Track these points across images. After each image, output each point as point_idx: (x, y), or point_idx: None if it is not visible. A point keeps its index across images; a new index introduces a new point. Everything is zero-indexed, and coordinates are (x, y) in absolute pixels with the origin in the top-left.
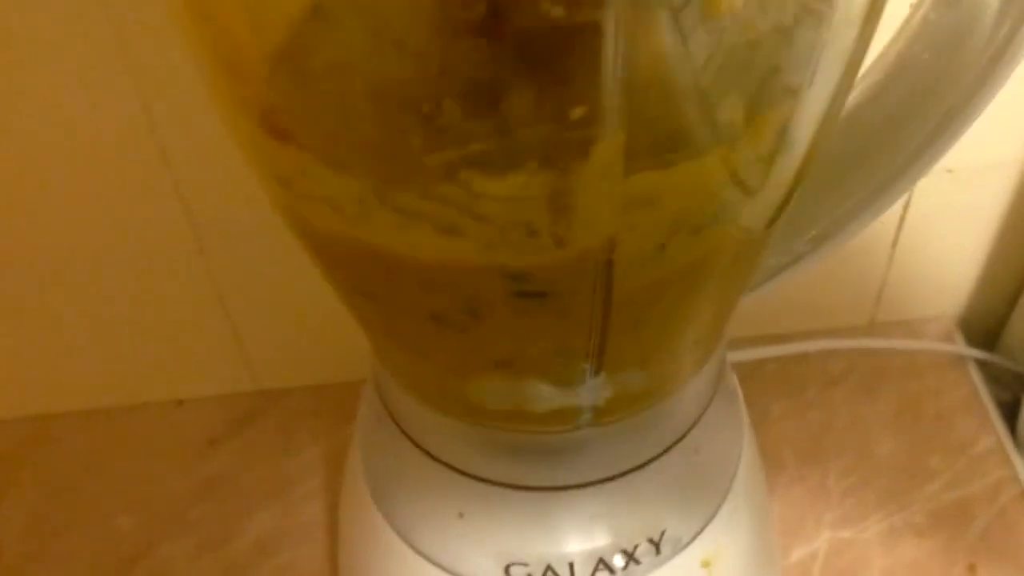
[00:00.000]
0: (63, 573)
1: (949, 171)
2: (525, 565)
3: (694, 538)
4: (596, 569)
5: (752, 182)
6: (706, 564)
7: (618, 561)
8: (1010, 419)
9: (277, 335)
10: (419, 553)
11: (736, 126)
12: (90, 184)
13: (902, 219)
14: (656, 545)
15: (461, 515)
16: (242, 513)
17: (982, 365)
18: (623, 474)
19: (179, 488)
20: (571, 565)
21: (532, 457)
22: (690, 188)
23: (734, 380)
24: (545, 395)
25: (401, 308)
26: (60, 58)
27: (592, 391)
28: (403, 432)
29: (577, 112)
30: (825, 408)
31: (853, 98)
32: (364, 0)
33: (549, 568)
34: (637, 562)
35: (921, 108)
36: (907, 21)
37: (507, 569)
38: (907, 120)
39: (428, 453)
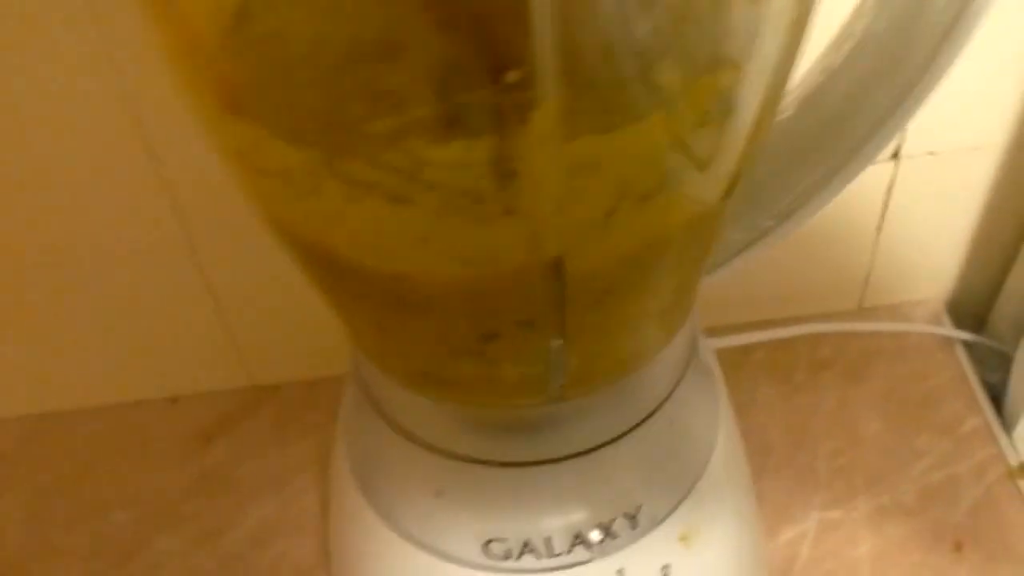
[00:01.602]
0: (61, 568)
1: (931, 154)
2: (503, 541)
3: (670, 513)
4: (573, 544)
5: (697, 150)
6: (684, 539)
7: (595, 536)
8: (997, 399)
9: (269, 330)
10: (401, 534)
11: (674, 90)
12: (78, 182)
13: (886, 204)
14: (633, 519)
15: (439, 494)
16: (237, 506)
17: (969, 347)
18: (596, 448)
19: (174, 483)
20: (548, 540)
21: (506, 433)
22: (632, 153)
23: (710, 358)
24: (511, 374)
25: (367, 294)
26: (46, 58)
27: (558, 363)
28: (381, 414)
29: (513, 76)
30: (813, 392)
31: (812, 76)
32: None
33: (527, 543)
34: (614, 536)
35: (878, 84)
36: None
37: (486, 545)
38: (865, 96)
39: (405, 433)
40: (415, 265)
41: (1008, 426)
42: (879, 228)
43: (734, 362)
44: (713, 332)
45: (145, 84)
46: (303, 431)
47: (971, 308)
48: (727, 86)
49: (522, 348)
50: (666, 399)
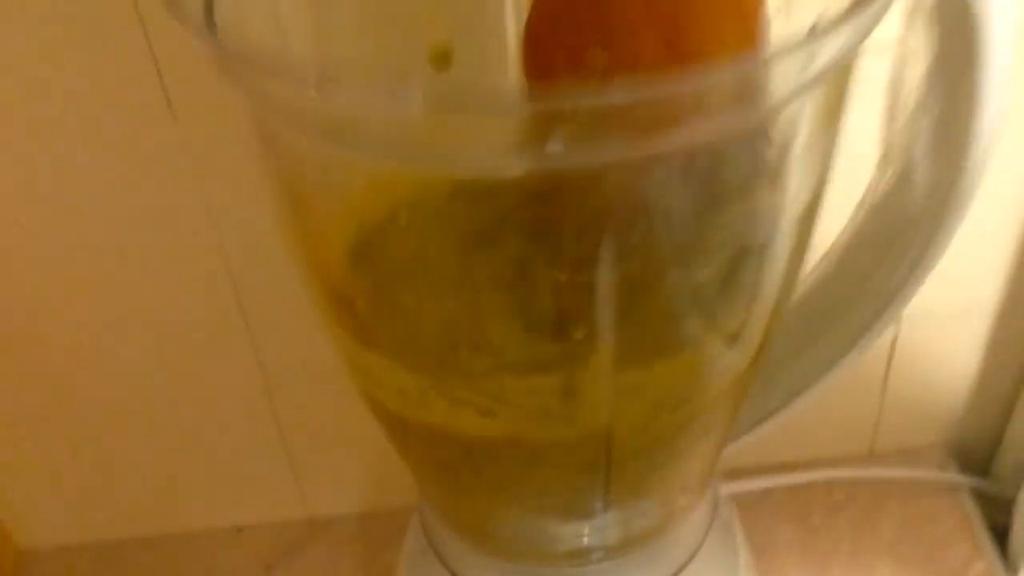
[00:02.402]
0: None
1: (929, 315)
2: None
3: None
4: None
5: (715, 376)
6: None
7: None
8: (1002, 542)
9: (329, 465)
10: None
11: (703, 334)
12: (167, 323)
13: (890, 359)
14: None
15: None
16: None
17: (975, 491)
18: None
19: None
20: None
21: None
22: (668, 379)
23: (731, 516)
24: (563, 533)
25: (447, 463)
26: (144, 206)
27: (602, 529)
28: (443, 563)
29: (579, 334)
30: (830, 534)
31: (812, 280)
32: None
33: None
34: None
35: (866, 288)
36: (857, 209)
37: None
38: (855, 298)
39: None
40: (494, 455)
41: (1012, 568)
42: (885, 380)
43: (755, 503)
44: (734, 474)
45: (240, 241)
46: (356, 563)
47: (976, 453)
48: (739, 326)
49: (571, 508)
50: (690, 560)
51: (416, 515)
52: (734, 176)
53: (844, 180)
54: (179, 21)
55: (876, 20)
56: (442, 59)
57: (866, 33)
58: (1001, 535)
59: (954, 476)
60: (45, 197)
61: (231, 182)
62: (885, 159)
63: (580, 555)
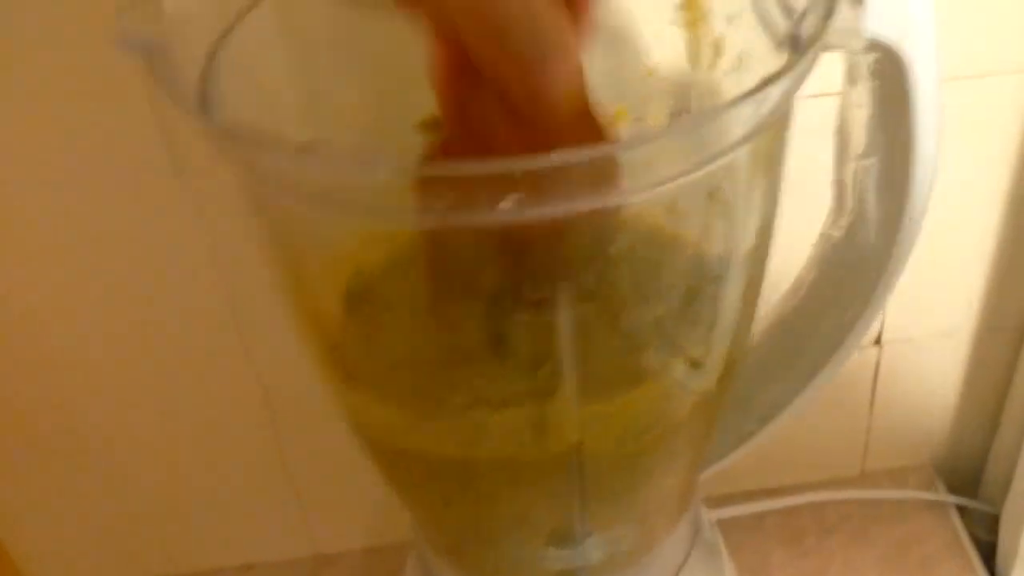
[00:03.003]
0: None
1: (909, 339)
2: None
3: None
4: None
5: (680, 404)
6: None
7: None
8: (989, 559)
9: (335, 502)
10: None
11: (661, 367)
12: (173, 363)
13: (874, 383)
14: None
15: None
16: None
17: (962, 509)
18: None
19: None
20: None
21: None
22: (630, 410)
23: (716, 538)
24: (547, 556)
25: (432, 492)
26: (150, 248)
27: (583, 552)
28: None
29: (545, 370)
30: (822, 555)
31: (776, 311)
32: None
33: None
34: None
35: (827, 319)
36: (816, 245)
37: None
38: (818, 328)
39: None
40: (475, 481)
41: None
42: (871, 403)
43: (748, 527)
44: (726, 499)
45: (243, 280)
46: None
47: (963, 472)
48: (697, 361)
49: (551, 532)
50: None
51: (412, 548)
52: (680, 222)
53: (806, 216)
54: (172, 99)
55: (798, 83)
56: (431, 128)
57: (790, 95)
58: (989, 552)
59: (942, 495)
60: (55, 246)
61: (233, 227)
62: (838, 199)
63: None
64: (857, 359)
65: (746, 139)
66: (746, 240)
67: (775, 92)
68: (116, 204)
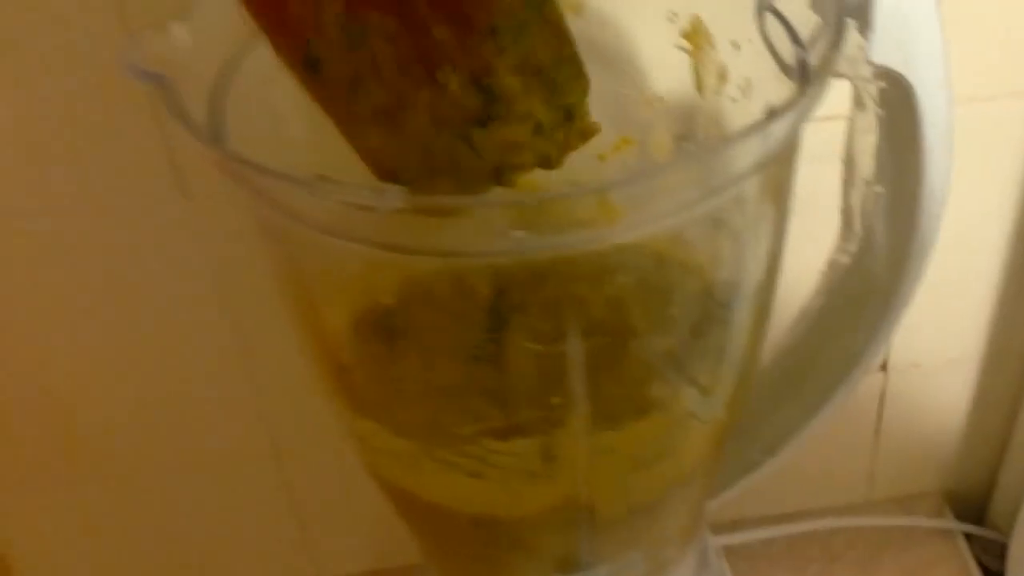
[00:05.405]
0: None
1: (916, 366)
2: None
3: None
4: None
5: (688, 434)
6: None
7: None
8: None
9: (338, 526)
10: None
11: (669, 398)
12: (176, 392)
13: (880, 410)
14: None
15: None
16: None
17: (969, 537)
18: None
19: None
20: None
21: None
22: (638, 440)
23: (722, 564)
24: None
25: (440, 522)
26: (153, 277)
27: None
28: None
29: (556, 400)
30: None
31: (785, 340)
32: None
33: None
34: None
35: (835, 347)
36: (825, 273)
37: None
38: (826, 356)
39: None
40: (478, 508)
41: None
42: (878, 431)
43: (754, 554)
44: (733, 526)
45: (251, 319)
46: None
47: (970, 500)
48: (704, 392)
49: (560, 561)
50: None
51: (418, 573)
52: (689, 252)
53: (813, 240)
54: (188, 131)
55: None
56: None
57: (796, 127)
58: None
59: (949, 523)
60: (60, 275)
61: (238, 252)
62: (846, 225)
63: None
64: (863, 384)
65: (754, 170)
66: (755, 268)
67: (783, 124)
68: (122, 226)
